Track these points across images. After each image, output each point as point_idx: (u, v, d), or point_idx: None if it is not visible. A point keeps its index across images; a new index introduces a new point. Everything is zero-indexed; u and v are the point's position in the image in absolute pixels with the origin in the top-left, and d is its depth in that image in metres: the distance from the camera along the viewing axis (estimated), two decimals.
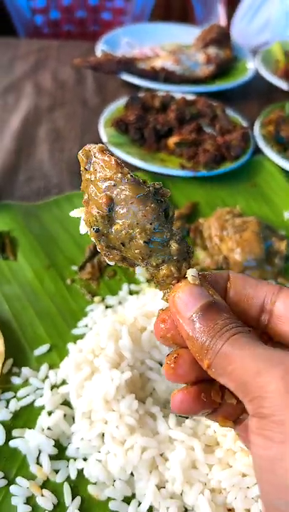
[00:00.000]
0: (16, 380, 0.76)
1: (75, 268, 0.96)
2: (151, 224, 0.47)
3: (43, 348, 0.81)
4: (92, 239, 0.50)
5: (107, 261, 0.52)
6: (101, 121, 1.28)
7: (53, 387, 0.76)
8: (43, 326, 0.85)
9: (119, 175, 0.47)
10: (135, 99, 1.31)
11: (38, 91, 1.51)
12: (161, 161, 1.20)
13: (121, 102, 1.35)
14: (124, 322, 0.79)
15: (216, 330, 0.42)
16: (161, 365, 0.78)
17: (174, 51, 1.60)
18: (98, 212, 0.48)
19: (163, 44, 1.68)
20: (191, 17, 2.43)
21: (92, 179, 0.48)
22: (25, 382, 0.76)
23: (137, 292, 0.91)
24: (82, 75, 1.62)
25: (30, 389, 0.75)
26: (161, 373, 0.76)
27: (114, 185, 0.47)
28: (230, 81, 1.55)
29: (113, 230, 0.48)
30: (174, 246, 0.47)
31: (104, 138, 1.23)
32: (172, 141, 1.23)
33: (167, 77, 1.50)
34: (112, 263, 0.52)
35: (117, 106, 1.34)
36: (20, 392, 0.75)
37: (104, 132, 1.24)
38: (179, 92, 1.43)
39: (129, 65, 1.48)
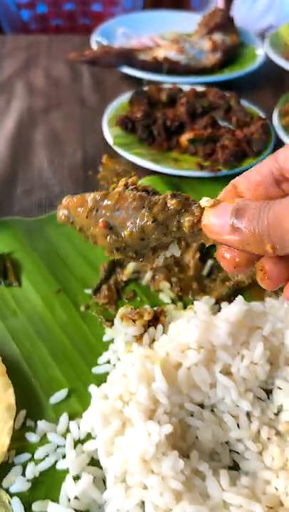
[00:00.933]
0: (31, 437, 0.64)
1: (88, 291, 0.83)
2: (143, 207, 0.50)
3: (60, 394, 0.68)
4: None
5: (151, 264, 0.57)
6: (104, 120, 1.15)
7: (77, 443, 0.63)
8: (58, 366, 0.72)
9: (91, 201, 0.53)
10: (140, 94, 1.18)
11: (30, 91, 1.38)
12: (175, 161, 1.07)
13: (124, 97, 1.22)
14: (154, 359, 0.66)
15: (256, 215, 0.44)
16: (203, 407, 0.66)
17: (176, 40, 1.47)
18: (106, 238, 0.53)
19: (162, 33, 1.55)
20: (185, 5, 2.29)
21: (82, 225, 0.55)
22: (43, 439, 0.64)
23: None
24: (77, 71, 1.48)
25: (50, 448, 0.63)
26: (205, 418, 0.64)
27: (96, 211, 0.53)
28: (239, 69, 1.42)
29: (127, 238, 0.52)
30: (172, 202, 0.49)
31: (109, 139, 1.10)
32: (185, 137, 1.10)
33: (171, 68, 1.37)
34: (160, 260, 0.56)
35: (120, 102, 1.21)
36: (38, 453, 0.62)
37: (108, 132, 1.11)
38: (186, 84, 1.29)
39: (129, 56, 1.35)
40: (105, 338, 0.76)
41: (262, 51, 1.50)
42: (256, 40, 1.57)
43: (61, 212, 0.57)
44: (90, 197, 0.53)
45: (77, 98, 1.36)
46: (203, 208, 0.48)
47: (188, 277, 0.84)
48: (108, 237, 0.53)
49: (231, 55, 1.46)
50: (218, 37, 1.46)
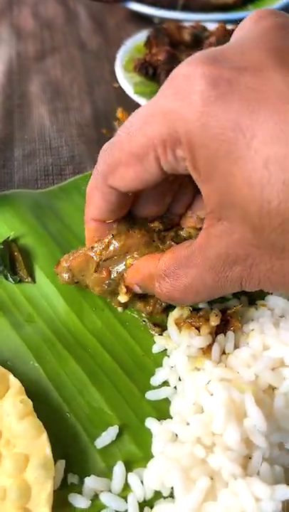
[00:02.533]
0: (78, 502, 0.45)
1: None
2: (154, 241, 0.54)
3: (108, 434, 0.50)
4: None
5: None
6: (118, 66, 0.93)
7: (143, 505, 0.46)
8: (99, 392, 0.53)
9: (97, 256, 0.55)
10: (160, 32, 0.96)
11: (17, 34, 1.14)
12: None
13: (138, 37, 1.00)
14: (239, 383, 0.48)
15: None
16: None
17: None
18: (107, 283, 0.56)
19: None
20: None
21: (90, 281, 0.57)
22: (95, 503, 0.46)
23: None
24: (71, 10, 1.24)
25: None
26: None
27: (104, 261, 0.55)
28: (266, 5, 1.20)
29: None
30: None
31: (126, 87, 0.89)
32: None
33: (187, 3, 1.14)
34: None
35: (134, 44, 0.98)
36: None
37: (125, 79, 0.89)
38: (205, 22, 1.07)
39: None
40: (155, 349, 0.58)
41: None
42: None
43: (65, 275, 0.57)
44: (94, 251, 0.55)
45: (76, 42, 1.13)
46: None
47: None
48: (107, 283, 0.56)
49: None
50: None
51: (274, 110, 0.33)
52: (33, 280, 0.64)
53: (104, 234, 0.54)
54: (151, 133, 0.40)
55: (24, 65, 1.03)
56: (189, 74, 0.36)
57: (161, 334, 0.59)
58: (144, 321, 0.61)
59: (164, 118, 0.38)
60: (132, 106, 0.90)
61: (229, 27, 1.01)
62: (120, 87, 0.92)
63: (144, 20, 1.15)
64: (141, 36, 0.99)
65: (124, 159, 0.43)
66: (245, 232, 0.38)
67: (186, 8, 1.14)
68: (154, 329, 0.59)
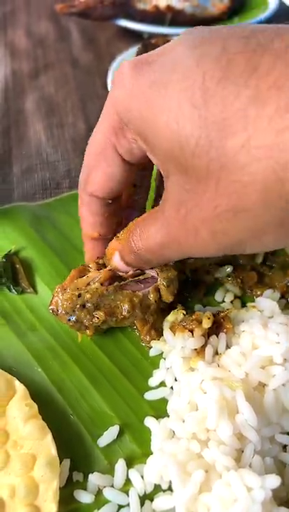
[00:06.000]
0: (83, 497, 0.48)
1: None
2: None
3: (110, 433, 0.53)
4: None
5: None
6: (109, 82, 0.97)
7: (143, 499, 0.49)
8: (100, 394, 0.56)
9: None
10: (149, 47, 0.99)
11: (11, 53, 1.18)
12: None
13: (129, 53, 1.03)
14: (230, 381, 0.52)
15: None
16: None
17: None
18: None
19: None
20: None
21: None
22: (99, 497, 0.49)
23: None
24: (63, 27, 1.28)
25: (110, 509, 0.48)
26: None
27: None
28: (250, 17, 1.25)
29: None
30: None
31: None
32: None
33: (174, 18, 1.18)
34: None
35: (124, 60, 1.02)
36: None
37: None
38: None
39: (126, 6, 1.15)
40: (152, 353, 0.61)
41: None
42: None
43: (58, 312, 0.58)
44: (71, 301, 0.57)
45: (68, 58, 1.17)
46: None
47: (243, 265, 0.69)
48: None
49: (241, 2, 1.28)
50: None
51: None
52: (35, 290, 0.67)
53: (102, 251, 0.58)
54: (104, 128, 0.45)
55: (19, 83, 1.07)
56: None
57: (157, 338, 0.62)
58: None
59: (111, 107, 0.44)
60: None
61: None
62: None
63: (133, 36, 1.19)
64: (131, 52, 1.03)
65: (92, 162, 0.48)
66: (178, 177, 0.39)
67: (173, 22, 1.18)
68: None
